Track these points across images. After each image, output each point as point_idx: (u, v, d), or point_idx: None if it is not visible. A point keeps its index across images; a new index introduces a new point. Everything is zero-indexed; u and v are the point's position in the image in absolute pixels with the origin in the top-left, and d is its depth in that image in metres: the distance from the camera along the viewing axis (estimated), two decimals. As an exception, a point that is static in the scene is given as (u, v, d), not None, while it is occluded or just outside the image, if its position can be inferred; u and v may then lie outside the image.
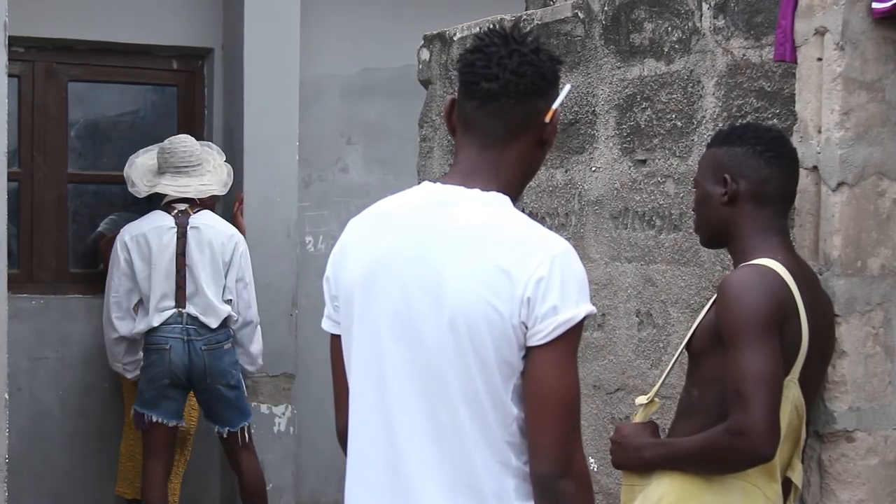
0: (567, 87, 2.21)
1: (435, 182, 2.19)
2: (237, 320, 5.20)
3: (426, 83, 4.37)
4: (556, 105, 2.17)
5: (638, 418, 2.77)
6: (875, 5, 2.65)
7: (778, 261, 2.54)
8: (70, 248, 6.01)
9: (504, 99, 2.13)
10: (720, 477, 2.53)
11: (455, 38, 4.21)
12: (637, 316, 3.43)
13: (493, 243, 2.08)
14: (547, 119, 2.16)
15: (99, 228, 6.13)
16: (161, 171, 5.19)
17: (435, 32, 4.34)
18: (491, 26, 2.21)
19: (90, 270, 6.03)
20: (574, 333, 2.05)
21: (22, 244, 5.81)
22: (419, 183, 2.27)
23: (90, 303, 5.87)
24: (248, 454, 5.27)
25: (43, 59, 5.84)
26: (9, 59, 4.26)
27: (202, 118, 6.12)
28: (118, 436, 5.76)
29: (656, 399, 2.80)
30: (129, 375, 5.33)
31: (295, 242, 5.97)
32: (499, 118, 2.14)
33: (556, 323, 2.03)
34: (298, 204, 6.02)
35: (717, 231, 2.71)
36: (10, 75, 4.34)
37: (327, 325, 2.28)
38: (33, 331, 5.73)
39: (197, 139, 6.05)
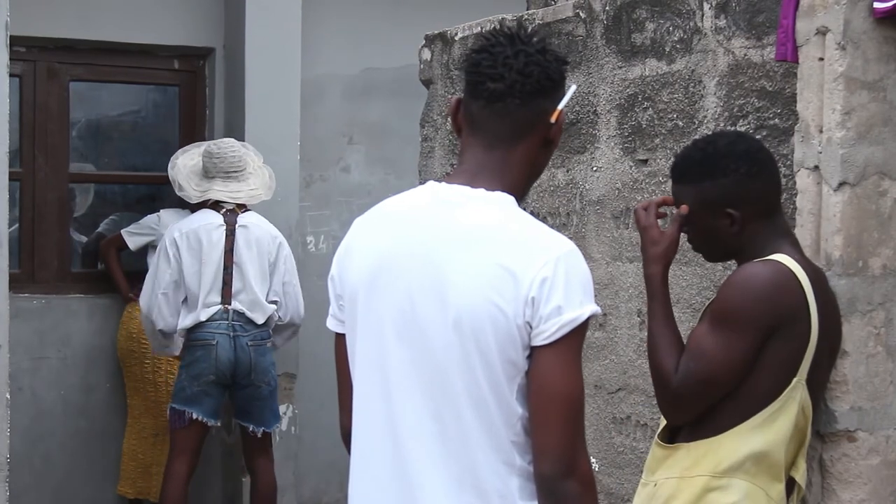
0: (573, 88, 2.21)
1: (440, 182, 2.19)
2: (282, 321, 5.19)
3: (427, 83, 4.37)
4: (561, 105, 2.16)
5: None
6: (876, 5, 2.65)
7: (795, 260, 2.55)
8: (71, 248, 6.02)
9: (509, 99, 2.13)
10: (725, 478, 2.52)
11: (456, 38, 4.21)
12: (638, 316, 3.43)
13: (498, 243, 2.08)
14: (553, 119, 2.16)
15: (99, 229, 6.14)
16: (210, 175, 5.15)
17: (436, 32, 4.34)
18: (497, 26, 2.21)
19: (91, 270, 6.05)
20: (578, 334, 2.05)
21: (23, 244, 5.81)
22: (421, 183, 2.27)
23: (92, 302, 5.88)
24: (267, 458, 5.28)
25: (44, 58, 5.84)
26: (10, 59, 4.26)
27: (204, 118, 6.13)
28: (120, 435, 5.77)
29: None
30: (176, 351, 5.27)
31: (296, 242, 5.97)
32: (504, 118, 2.14)
33: (560, 323, 2.03)
34: (300, 204, 6.03)
35: (731, 255, 2.71)
36: (11, 75, 4.34)
37: (332, 325, 2.29)
38: (35, 330, 5.73)
39: (198, 139, 6.08)
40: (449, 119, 2.31)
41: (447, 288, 2.07)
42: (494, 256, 2.06)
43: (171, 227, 5.20)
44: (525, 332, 2.04)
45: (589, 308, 2.06)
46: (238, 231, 5.10)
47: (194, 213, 5.20)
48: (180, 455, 5.09)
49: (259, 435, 5.21)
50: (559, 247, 2.08)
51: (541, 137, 2.17)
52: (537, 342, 2.04)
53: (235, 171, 5.15)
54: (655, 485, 2.63)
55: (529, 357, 2.06)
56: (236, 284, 5.07)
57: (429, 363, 2.09)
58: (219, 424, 5.29)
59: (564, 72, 2.19)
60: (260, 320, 5.09)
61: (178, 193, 5.29)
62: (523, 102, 2.13)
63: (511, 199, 2.14)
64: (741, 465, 2.52)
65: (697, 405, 2.55)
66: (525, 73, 2.12)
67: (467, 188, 2.14)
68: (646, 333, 3.38)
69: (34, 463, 5.74)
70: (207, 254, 5.06)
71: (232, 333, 5.04)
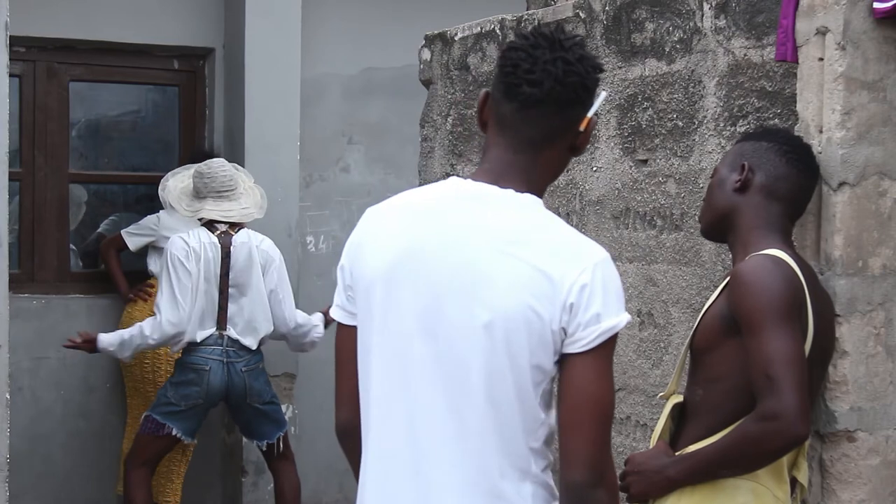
0: (603, 95, 2.19)
1: (465, 179, 2.16)
2: (273, 332, 5.17)
3: (427, 83, 4.37)
4: (590, 113, 2.15)
5: (665, 412, 2.72)
6: (876, 5, 2.65)
7: (790, 256, 2.55)
8: (71, 248, 6.02)
9: (545, 107, 2.10)
10: (731, 480, 2.51)
11: (456, 38, 4.21)
12: (638, 316, 3.43)
13: (534, 246, 2.05)
14: (582, 127, 2.14)
15: (99, 229, 6.14)
16: (201, 195, 5.13)
17: (436, 32, 4.34)
18: (535, 26, 2.19)
19: (91, 270, 6.05)
20: (613, 342, 2.05)
21: (23, 244, 5.82)
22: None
23: (91, 302, 5.88)
24: (285, 461, 5.29)
25: (44, 58, 5.85)
26: (10, 59, 4.26)
27: (203, 118, 6.13)
28: (119, 435, 5.76)
29: (678, 393, 2.75)
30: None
31: (296, 242, 5.98)
32: (537, 123, 2.11)
33: (599, 331, 2.02)
34: (299, 203, 6.02)
35: (720, 216, 2.70)
36: (11, 75, 4.34)
37: (338, 315, 2.22)
38: (34, 330, 5.73)
39: (198, 139, 6.09)
40: (475, 111, 2.27)
41: (479, 288, 2.04)
42: (531, 259, 2.04)
43: (173, 239, 5.12)
44: (559, 338, 2.03)
45: (625, 316, 2.06)
46: (233, 253, 5.07)
47: (191, 231, 5.12)
48: (145, 464, 5.09)
49: (264, 448, 5.24)
50: (596, 254, 2.07)
51: (568, 143, 2.15)
52: (573, 349, 2.03)
53: (227, 191, 5.12)
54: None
55: (558, 363, 2.05)
56: (231, 308, 5.06)
57: (452, 362, 2.06)
58: (195, 443, 5.28)
59: (599, 80, 2.16)
60: (253, 345, 5.10)
61: (167, 210, 5.31)
62: (558, 110, 2.10)
63: (540, 202, 2.13)
64: None
65: (808, 403, 2.44)
66: (564, 82, 2.08)
67: (495, 188, 2.11)
68: (645, 333, 3.40)
69: (34, 463, 5.74)
70: (205, 272, 5.03)
71: (226, 360, 5.03)
